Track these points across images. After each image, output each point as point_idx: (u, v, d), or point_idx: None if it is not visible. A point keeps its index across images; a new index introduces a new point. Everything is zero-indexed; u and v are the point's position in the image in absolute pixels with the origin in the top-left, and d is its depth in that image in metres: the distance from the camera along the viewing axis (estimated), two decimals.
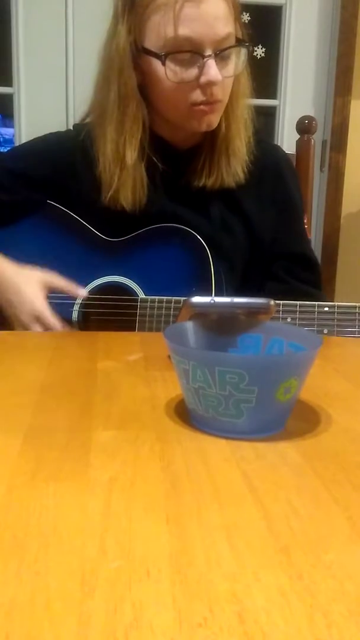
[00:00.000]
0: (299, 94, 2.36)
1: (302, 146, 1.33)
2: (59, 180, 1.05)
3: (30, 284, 0.95)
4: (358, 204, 2.43)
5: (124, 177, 0.98)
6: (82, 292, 0.97)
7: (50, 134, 1.12)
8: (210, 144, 1.02)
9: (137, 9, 0.92)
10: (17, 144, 2.20)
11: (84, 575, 0.33)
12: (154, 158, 1.00)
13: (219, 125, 1.00)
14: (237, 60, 0.96)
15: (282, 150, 1.16)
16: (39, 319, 0.94)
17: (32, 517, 0.39)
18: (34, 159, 1.08)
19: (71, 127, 1.11)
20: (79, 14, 2.15)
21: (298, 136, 1.34)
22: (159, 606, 0.30)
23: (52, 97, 2.18)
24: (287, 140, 2.30)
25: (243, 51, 0.96)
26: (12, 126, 2.24)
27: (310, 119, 1.34)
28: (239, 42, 0.95)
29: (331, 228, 2.42)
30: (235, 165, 1.02)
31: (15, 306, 0.95)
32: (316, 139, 1.37)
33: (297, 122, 1.35)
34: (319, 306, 0.89)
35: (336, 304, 0.89)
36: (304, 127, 1.34)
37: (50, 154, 1.07)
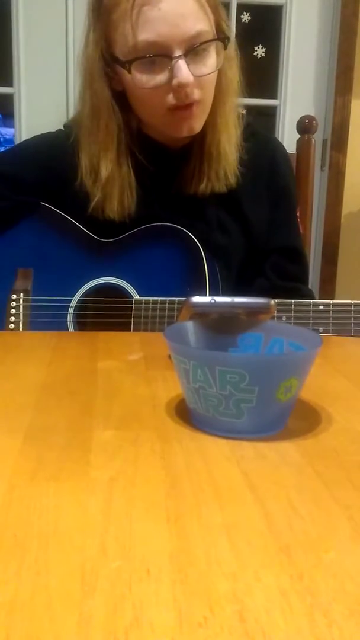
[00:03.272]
0: (300, 93, 2.36)
1: (303, 146, 1.33)
2: (50, 183, 1.04)
3: None
4: (358, 203, 2.43)
5: (106, 189, 0.97)
6: None
7: (40, 136, 1.11)
8: (200, 145, 1.00)
9: (103, 18, 0.90)
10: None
11: (85, 575, 0.33)
12: (144, 161, 0.99)
13: (207, 126, 0.97)
14: (218, 56, 0.92)
15: (277, 141, 1.15)
16: None
17: (32, 516, 0.39)
18: (24, 162, 1.07)
19: (62, 127, 1.10)
20: (79, 13, 2.15)
21: (298, 136, 1.34)
22: (159, 606, 0.30)
23: (53, 97, 2.18)
24: (287, 139, 2.30)
25: (229, 45, 0.92)
26: (12, 126, 2.24)
27: (310, 118, 1.34)
28: (218, 37, 0.91)
29: (332, 227, 2.42)
30: (225, 171, 1.00)
31: None
32: (316, 138, 1.37)
33: (298, 121, 1.34)
34: (314, 304, 0.88)
35: (331, 301, 0.88)
36: (305, 126, 1.34)
37: (40, 158, 1.06)
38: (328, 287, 2.43)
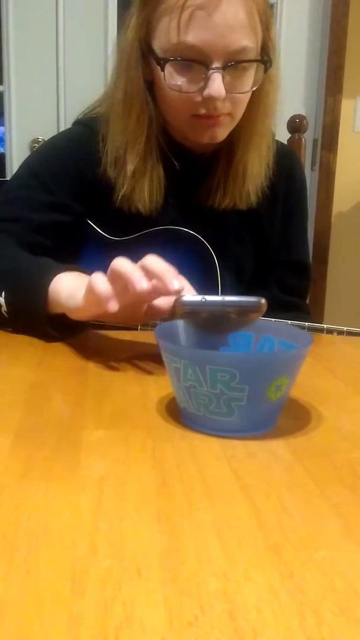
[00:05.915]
0: (290, 92, 2.36)
1: (293, 145, 1.33)
2: (84, 193, 0.98)
3: None
4: (349, 203, 2.44)
5: (132, 181, 0.93)
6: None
7: (61, 145, 1.02)
8: (227, 159, 0.96)
9: (149, 5, 0.86)
10: (7, 142, 2.20)
11: (75, 575, 0.33)
12: (171, 157, 0.95)
13: (237, 142, 0.94)
14: (257, 76, 0.88)
15: (295, 154, 1.13)
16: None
17: (22, 516, 0.38)
18: (57, 186, 0.98)
19: (71, 126, 1.05)
20: (69, 12, 2.14)
21: (289, 135, 1.34)
22: (149, 605, 0.30)
23: (43, 96, 2.17)
24: (278, 138, 2.30)
25: (274, 66, 0.88)
26: (2, 124, 2.23)
27: (301, 117, 1.35)
28: (261, 57, 0.87)
29: (322, 227, 2.43)
30: (250, 191, 0.97)
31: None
32: (307, 137, 1.37)
33: (288, 120, 1.35)
34: (327, 330, 0.88)
35: (345, 328, 0.88)
36: (295, 126, 1.34)
37: (70, 174, 0.98)
38: (319, 286, 2.44)
